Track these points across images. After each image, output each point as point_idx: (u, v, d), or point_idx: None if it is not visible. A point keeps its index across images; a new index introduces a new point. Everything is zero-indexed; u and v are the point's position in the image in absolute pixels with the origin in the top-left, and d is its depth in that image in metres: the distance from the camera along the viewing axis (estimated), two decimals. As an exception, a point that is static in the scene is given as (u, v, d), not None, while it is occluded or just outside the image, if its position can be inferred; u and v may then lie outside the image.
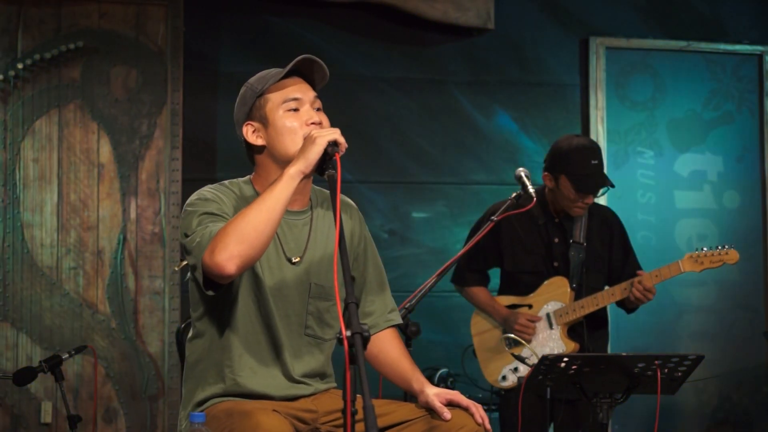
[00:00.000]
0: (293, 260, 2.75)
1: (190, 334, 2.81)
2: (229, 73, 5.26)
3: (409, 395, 2.87)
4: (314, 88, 2.80)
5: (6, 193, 4.92)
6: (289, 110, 2.73)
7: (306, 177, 2.58)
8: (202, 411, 2.64)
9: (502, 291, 4.41)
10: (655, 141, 5.80)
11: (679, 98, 5.83)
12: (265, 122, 2.74)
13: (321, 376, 2.82)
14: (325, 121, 2.75)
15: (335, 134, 2.57)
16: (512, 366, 4.24)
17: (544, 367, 3.25)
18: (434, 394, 2.70)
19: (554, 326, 4.24)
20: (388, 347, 2.88)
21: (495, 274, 4.50)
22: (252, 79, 2.80)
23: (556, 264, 4.29)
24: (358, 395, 2.18)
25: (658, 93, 5.81)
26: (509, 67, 5.66)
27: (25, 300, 4.90)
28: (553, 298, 4.26)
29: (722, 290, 5.81)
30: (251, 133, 2.76)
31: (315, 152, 2.55)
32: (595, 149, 4.24)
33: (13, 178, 4.92)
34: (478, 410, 2.66)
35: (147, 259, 5.00)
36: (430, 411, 2.69)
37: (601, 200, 5.51)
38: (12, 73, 4.89)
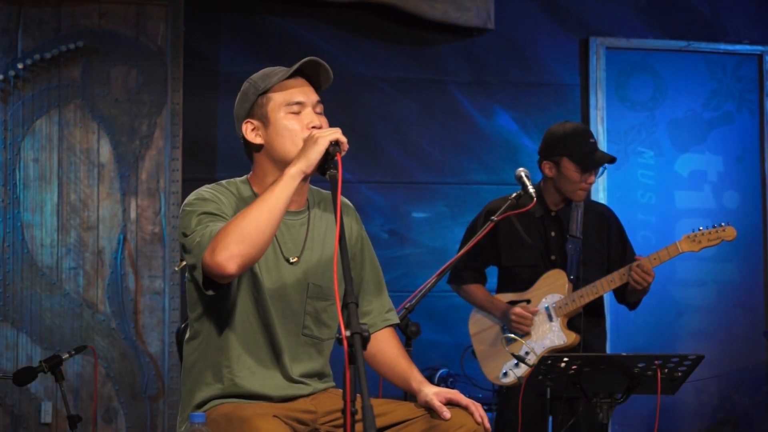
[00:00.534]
0: (291, 260, 2.75)
1: (187, 335, 2.80)
2: (229, 73, 5.26)
3: (408, 395, 2.87)
4: (318, 90, 2.79)
5: (6, 193, 4.92)
6: (291, 112, 2.72)
7: (306, 177, 2.58)
8: (201, 413, 2.63)
9: (500, 288, 4.39)
10: (655, 141, 5.79)
11: (679, 98, 5.82)
12: (265, 121, 2.73)
13: (319, 376, 2.81)
14: (325, 124, 2.74)
15: (337, 134, 2.57)
16: (513, 361, 4.21)
17: (545, 368, 3.26)
18: (433, 393, 2.70)
19: (554, 318, 4.22)
20: (385, 347, 2.87)
21: (492, 275, 4.49)
22: (255, 76, 2.78)
23: (553, 257, 4.28)
24: (357, 395, 2.18)
25: (658, 93, 5.81)
26: (509, 67, 5.66)
27: (25, 300, 4.90)
28: (551, 291, 4.24)
29: (722, 290, 5.80)
30: (250, 131, 2.75)
31: (317, 152, 2.55)
32: (588, 130, 4.36)
33: (13, 178, 4.92)
34: (478, 409, 2.66)
35: (147, 259, 5.00)
36: (430, 410, 2.68)
37: (602, 200, 5.51)
38: (12, 73, 4.89)
